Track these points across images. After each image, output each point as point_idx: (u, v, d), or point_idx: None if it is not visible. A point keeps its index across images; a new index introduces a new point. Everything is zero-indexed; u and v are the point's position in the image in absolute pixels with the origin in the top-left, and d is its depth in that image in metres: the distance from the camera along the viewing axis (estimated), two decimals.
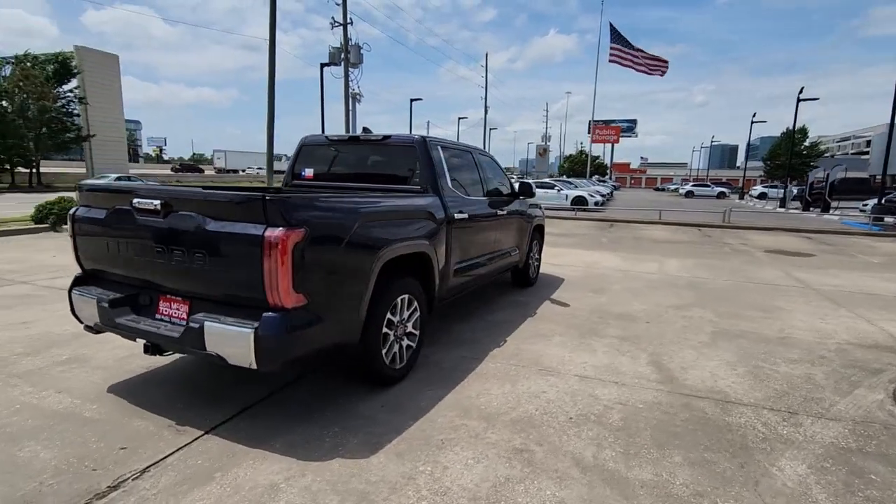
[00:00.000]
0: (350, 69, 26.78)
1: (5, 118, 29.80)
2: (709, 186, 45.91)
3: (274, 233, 2.27)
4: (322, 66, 23.49)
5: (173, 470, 2.27)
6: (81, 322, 2.96)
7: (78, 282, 2.99)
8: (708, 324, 4.87)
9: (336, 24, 26.72)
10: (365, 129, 4.15)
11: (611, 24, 41.65)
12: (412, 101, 33.52)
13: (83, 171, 36.14)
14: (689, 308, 5.46)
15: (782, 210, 24.44)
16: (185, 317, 2.58)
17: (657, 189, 69.20)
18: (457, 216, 3.93)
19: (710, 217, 17.21)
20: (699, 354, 3.99)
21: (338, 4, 26.89)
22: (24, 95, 29.77)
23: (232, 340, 2.34)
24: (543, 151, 53.76)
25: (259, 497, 2.09)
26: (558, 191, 20.58)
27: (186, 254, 2.48)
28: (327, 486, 2.19)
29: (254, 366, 2.34)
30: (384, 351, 3.08)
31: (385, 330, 3.07)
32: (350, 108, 27.28)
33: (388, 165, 4.13)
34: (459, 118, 45.54)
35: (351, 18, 26.38)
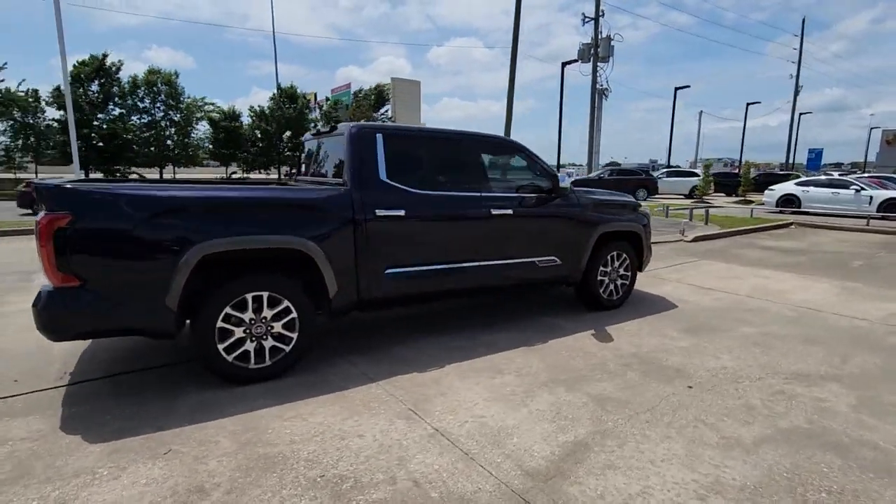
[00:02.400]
0: (599, 64, 25.47)
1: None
2: None
3: (39, 217, 2.53)
4: (563, 65, 23.09)
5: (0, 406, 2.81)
6: None
7: None
8: (804, 411, 2.80)
9: (587, 20, 25.80)
10: (332, 126, 3.99)
11: None
12: (677, 89, 29.29)
13: None
14: (818, 382, 3.24)
15: None
16: None
17: None
18: (381, 213, 3.42)
19: None
20: (685, 455, 2.37)
21: None
22: (356, 120, 39.73)
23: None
24: (892, 139, 38.95)
25: None
26: (856, 192, 14.66)
27: None
28: (24, 455, 2.32)
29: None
30: (222, 347, 2.98)
31: (223, 325, 2.97)
32: (596, 104, 25.97)
33: (334, 158, 3.89)
34: (748, 104, 37.36)
35: (603, 10, 24.99)
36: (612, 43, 24.83)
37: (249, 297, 3.03)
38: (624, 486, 2.15)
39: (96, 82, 30.55)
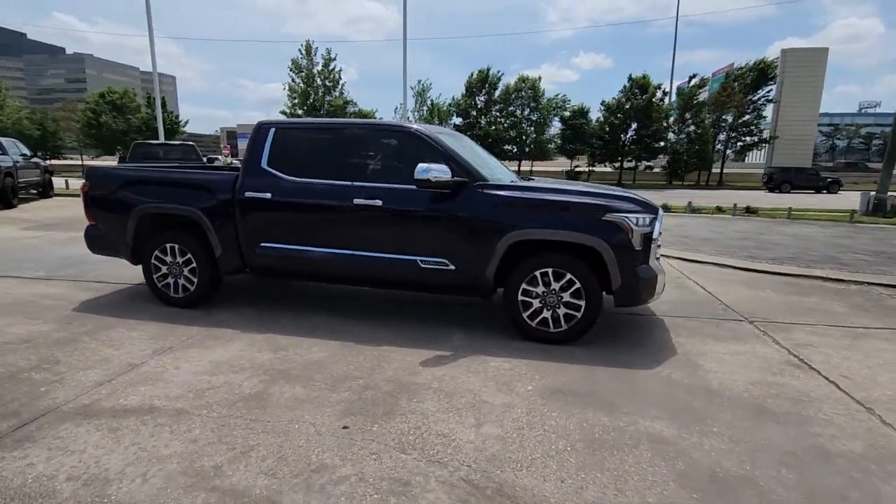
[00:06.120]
0: None
1: (700, 129, 35.79)
2: None
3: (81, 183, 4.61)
4: None
5: None
6: None
7: None
8: None
9: None
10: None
11: None
12: None
13: (761, 171, 37.41)
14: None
15: None
16: None
17: None
18: (249, 195, 4.09)
19: None
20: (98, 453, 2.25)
21: None
22: (718, 104, 34.25)
23: None
24: None
25: None
26: None
27: None
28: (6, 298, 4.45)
29: None
30: (155, 276, 4.45)
31: (155, 262, 4.42)
32: None
33: None
34: None
35: None
36: None
37: (168, 246, 4.38)
38: None
39: (483, 92, 37.99)
